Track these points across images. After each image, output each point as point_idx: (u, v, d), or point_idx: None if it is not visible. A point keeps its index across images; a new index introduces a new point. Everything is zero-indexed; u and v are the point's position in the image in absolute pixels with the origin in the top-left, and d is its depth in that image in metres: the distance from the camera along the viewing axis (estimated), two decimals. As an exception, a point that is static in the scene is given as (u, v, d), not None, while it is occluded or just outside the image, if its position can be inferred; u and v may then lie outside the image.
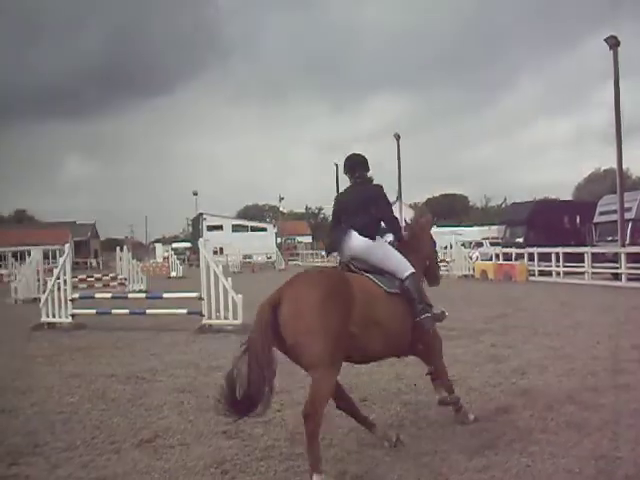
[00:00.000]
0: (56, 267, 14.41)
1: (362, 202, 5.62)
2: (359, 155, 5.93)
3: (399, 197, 45.91)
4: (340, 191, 6.48)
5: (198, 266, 13.16)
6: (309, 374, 4.63)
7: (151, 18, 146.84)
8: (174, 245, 73.45)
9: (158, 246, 79.54)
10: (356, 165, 5.86)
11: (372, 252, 5.43)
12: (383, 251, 5.49)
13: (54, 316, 13.91)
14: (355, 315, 4.73)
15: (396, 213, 6.25)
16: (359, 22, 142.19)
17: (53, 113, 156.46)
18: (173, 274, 37.89)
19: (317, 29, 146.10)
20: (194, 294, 12.79)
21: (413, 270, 5.46)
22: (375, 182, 5.84)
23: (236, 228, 73.18)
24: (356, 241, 5.46)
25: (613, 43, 24.16)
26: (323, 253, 58.30)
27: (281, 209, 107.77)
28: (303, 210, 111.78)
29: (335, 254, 5.90)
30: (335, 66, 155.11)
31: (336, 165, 57.26)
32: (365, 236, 5.45)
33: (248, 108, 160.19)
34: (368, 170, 5.87)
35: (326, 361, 4.50)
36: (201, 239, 15.24)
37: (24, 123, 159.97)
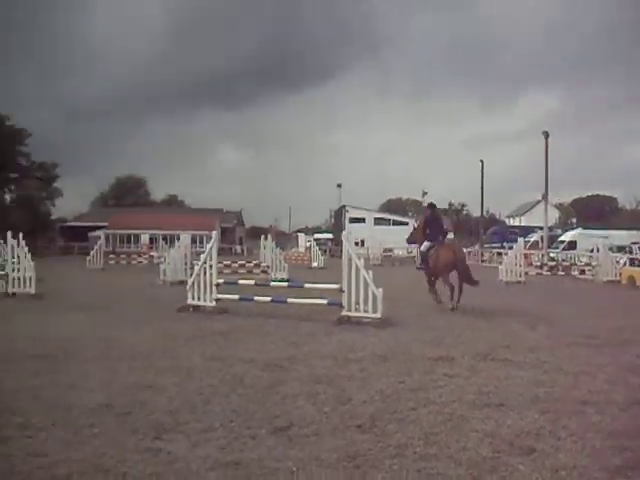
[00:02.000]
0: (203, 252, 14.92)
1: (439, 222, 16.23)
2: (434, 203, 16.95)
3: (545, 197, 43.91)
4: (426, 215, 16.39)
5: (339, 257, 13.18)
6: (467, 275, 14.81)
7: (307, 12, 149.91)
8: (316, 236, 74.15)
9: (301, 236, 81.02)
10: (434, 205, 16.63)
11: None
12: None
13: (199, 299, 14.38)
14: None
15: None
16: (512, 16, 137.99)
17: (210, 101, 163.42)
18: (314, 264, 38.20)
19: (468, 25, 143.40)
20: (335, 285, 12.86)
21: None
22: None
23: (378, 221, 73.19)
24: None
25: None
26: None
27: (423, 204, 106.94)
28: (446, 206, 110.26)
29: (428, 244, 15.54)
30: (485, 62, 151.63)
31: (482, 162, 56.14)
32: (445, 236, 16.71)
33: (395, 102, 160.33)
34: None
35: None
36: (345, 231, 15.27)
37: (182, 109, 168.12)
